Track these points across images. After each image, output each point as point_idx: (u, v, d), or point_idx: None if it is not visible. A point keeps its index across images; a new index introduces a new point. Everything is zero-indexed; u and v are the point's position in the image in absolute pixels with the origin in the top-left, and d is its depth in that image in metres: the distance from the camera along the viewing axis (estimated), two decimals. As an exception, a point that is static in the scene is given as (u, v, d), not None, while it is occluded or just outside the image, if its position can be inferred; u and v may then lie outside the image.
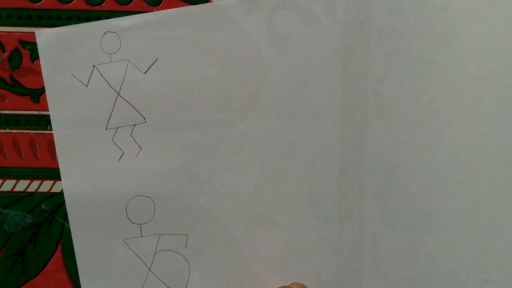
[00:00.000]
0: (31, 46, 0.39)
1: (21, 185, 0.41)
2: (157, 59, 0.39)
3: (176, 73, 0.39)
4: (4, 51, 0.40)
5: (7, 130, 0.40)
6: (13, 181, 0.41)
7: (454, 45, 0.40)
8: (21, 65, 0.40)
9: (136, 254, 0.40)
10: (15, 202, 0.41)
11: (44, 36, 0.39)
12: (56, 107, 0.39)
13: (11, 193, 0.41)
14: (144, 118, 0.39)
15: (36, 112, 0.40)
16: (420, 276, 0.41)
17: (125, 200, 0.40)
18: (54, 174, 0.40)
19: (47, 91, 0.39)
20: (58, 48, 0.39)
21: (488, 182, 0.41)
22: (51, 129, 0.40)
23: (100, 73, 0.39)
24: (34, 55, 0.39)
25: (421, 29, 0.39)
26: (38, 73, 0.39)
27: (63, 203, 0.41)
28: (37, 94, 0.40)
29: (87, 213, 0.40)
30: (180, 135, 0.40)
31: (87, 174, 0.40)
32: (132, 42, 0.39)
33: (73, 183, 0.40)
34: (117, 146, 0.39)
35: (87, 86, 0.39)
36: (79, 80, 0.39)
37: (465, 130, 0.41)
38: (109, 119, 0.39)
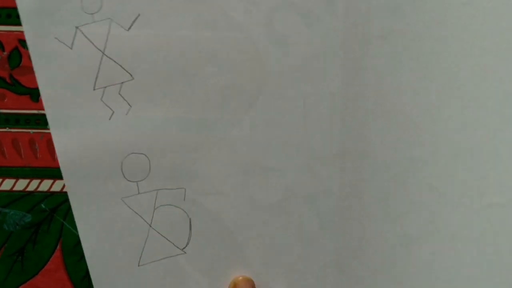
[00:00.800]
0: (31, 45, 0.39)
1: (21, 184, 0.41)
2: (139, 15, 0.39)
3: (160, 27, 0.39)
4: (3, 50, 0.40)
5: (7, 129, 0.40)
6: (13, 180, 0.41)
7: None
8: (21, 64, 0.40)
9: (135, 212, 0.40)
10: (14, 201, 0.41)
11: (25, 1, 0.38)
12: (43, 73, 0.39)
13: (10, 192, 0.41)
14: (131, 75, 0.39)
15: (35, 111, 0.40)
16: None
17: (119, 159, 0.40)
18: (53, 173, 0.40)
19: (32, 57, 0.39)
20: (40, 12, 0.38)
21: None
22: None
23: (83, 34, 0.39)
24: (34, 54, 0.39)
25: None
26: (37, 72, 0.39)
27: (63, 202, 0.41)
28: (37, 93, 0.40)
29: (83, 176, 0.40)
30: (169, 89, 0.39)
31: (79, 136, 0.39)
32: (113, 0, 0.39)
33: (66, 147, 0.39)
34: (106, 105, 0.39)
35: (71, 48, 0.39)
36: (63, 43, 0.39)
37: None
38: (96, 79, 0.39)
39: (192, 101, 0.39)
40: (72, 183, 0.40)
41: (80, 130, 0.39)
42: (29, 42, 0.38)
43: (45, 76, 0.39)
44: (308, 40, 0.39)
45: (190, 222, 0.40)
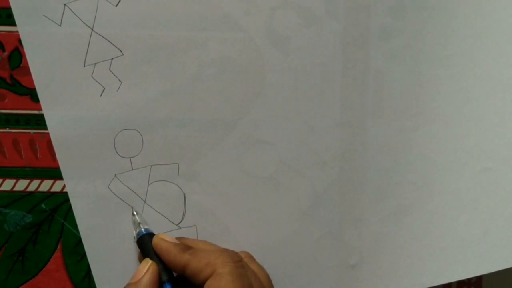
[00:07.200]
0: (31, 46, 0.39)
1: (21, 185, 0.41)
2: None
3: (148, 2, 0.39)
4: (4, 51, 0.40)
5: (7, 130, 0.40)
6: (13, 181, 0.41)
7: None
8: (21, 65, 0.40)
9: (130, 188, 0.40)
10: (15, 201, 0.41)
11: None
12: (33, 51, 0.39)
13: (11, 192, 0.41)
14: (120, 51, 0.39)
15: (36, 112, 0.40)
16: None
17: (112, 135, 0.40)
18: (53, 174, 0.40)
19: (21, 36, 0.39)
20: None
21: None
22: (51, 129, 0.40)
23: (71, 10, 0.39)
24: (34, 55, 0.39)
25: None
26: (38, 72, 0.39)
27: (63, 202, 0.41)
28: (37, 94, 0.40)
29: (76, 153, 0.40)
30: (159, 64, 0.39)
31: (71, 113, 0.39)
32: None
33: (58, 124, 0.39)
34: (97, 82, 0.39)
35: (60, 26, 0.39)
36: (52, 21, 0.39)
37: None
38: (86, 56, 0.39)
39: (183, 75, 0.39)
40: (65, 161, 0.40)
41: (71, 108, 0.39)
42: (17, 20, 0.38)
43: (35, 54, 0.39)
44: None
45: (184, 197, 0.40)
